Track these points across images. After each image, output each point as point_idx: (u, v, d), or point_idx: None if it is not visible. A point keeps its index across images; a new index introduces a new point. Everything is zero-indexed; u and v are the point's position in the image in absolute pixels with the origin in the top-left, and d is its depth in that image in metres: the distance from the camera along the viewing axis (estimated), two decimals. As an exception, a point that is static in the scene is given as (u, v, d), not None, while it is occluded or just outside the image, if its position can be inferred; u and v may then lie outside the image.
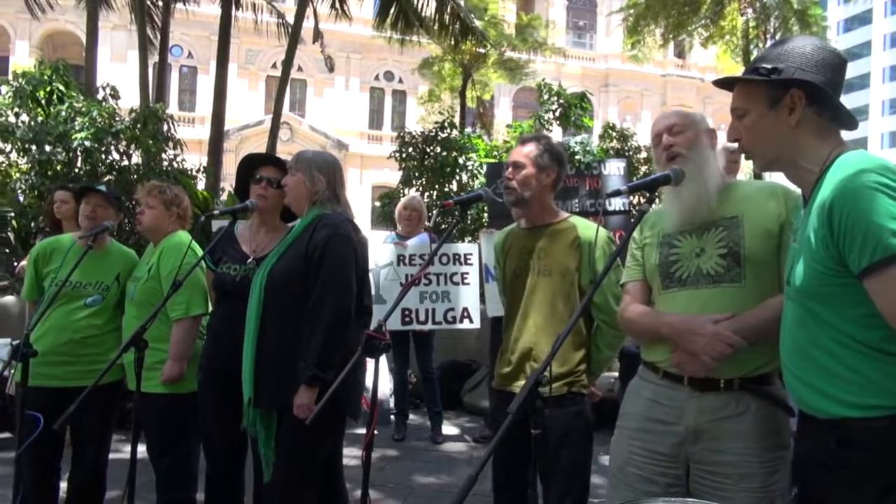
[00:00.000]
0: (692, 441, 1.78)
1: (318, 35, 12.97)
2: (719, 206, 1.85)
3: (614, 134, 9.13)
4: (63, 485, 3.16)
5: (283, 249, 2.44)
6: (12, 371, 2.98)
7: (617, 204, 5.90)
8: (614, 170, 6.35)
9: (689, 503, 1.56)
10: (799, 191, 1.64)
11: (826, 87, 1.49)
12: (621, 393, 5.39)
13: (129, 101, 8.26)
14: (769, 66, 1.52)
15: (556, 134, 9.38)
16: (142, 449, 2.49)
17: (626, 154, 8.56)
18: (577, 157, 7.33)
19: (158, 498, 3.01)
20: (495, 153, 8.55)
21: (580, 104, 9.20)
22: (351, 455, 4.27)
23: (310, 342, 2.29)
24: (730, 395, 1.76)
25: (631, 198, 5.94)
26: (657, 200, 1.89)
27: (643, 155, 8.86)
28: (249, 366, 2.39)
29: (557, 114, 9.14)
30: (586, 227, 2.35)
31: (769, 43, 17.15)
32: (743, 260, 1.79)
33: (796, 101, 1.50)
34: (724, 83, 1.64)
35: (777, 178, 1.92)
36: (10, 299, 5.26)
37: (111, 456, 3.28)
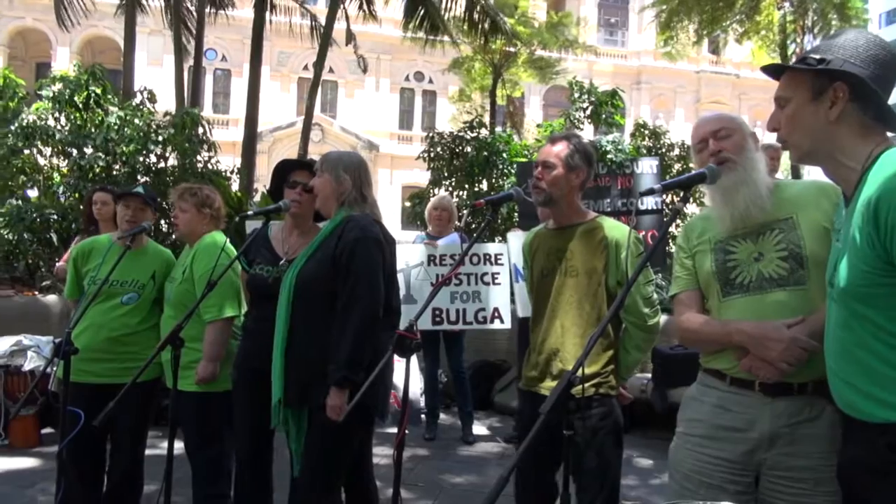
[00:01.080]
0: (766, 447, 1.74)
1: (350, 37, 13.08)
2: (770, 207, 1.82)
3: (646, 132, 9.02)
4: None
5: (312, 251, 2.46)
6: (55, 368, 3.07)
7: (650, 203, 5.83)
8: (647, 168, 6.27)
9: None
10: (839, 189, 1.60)
11: (873, 82, 1.44)
12: (655, 395, 5.33)
13: (165, 103, 8.42)
14: (817, 57, 1.49)
15: (587, 132, 9.31)
16: (179, 445, 2.54)
17: (659, 152, 8.45)
18: (608, 155, 7.25)
19: (194, 493, 3.08)
20: (525, 152, 8.51)
21: (612, 102, 9.11)
22: (382, 454, 4.30)
23: (339, 344, 2.31)
24: (804, 399, 1.72)
25: (664, 197, 5.86)
26: (691, 200, 1.85)
27: (676, 153, 8.73)
28: (279, 366, 2.42)
29: (588, 112, 9.06)
30: (613, 227, 2.33)
31: (807, 38, 16.74)
32: (805, 261, 1.75)
33: (838, 95, 1.46)
34: (773, 70, 1.61)
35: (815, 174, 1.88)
36: (52, 298, 5.41)
37: (150, 451, 3.36)
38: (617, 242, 2.26)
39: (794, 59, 1.57)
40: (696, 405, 1.89)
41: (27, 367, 4.60)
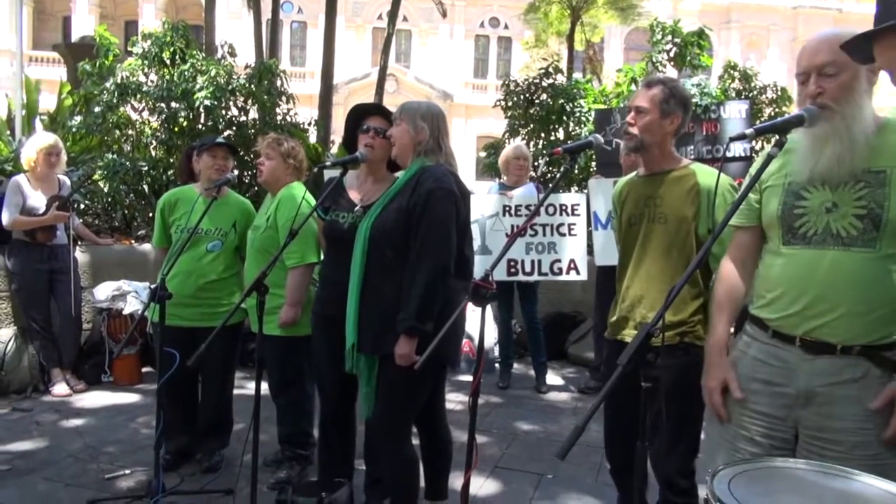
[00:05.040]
0: (802, 405, 1.68)
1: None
2: (865, 153, 1.62)
3: (736, 74, 8.47)
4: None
5: (387, 201, 2.48)
6: (150, 312, 3.28)
7: (737, 150, 5.52)
8: (735, 113, 5.92)
9: (813, 465, 1.47)
10: None
11: None
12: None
13: (245, 57, 8.58)
14: None
15: (670, 76, 8.84)
16: (264, 387, 2.67)
17: (749, 95, 7.95)
18: (693, 99, 6.89)
19: (279, 431, 3.25)
20: (604, 99, 8.21)
21: (698, 42, 8.59)
22: (456, 400, 4.40)
23: (409, 294, 2.34)
24: (846, 360, 1.63)
25: (753, 143, 5.54)
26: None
27: (768, 96, 8.19)
28: (353, 312, 2.47)
29: (672, 54, 8.59)
30: (706, 174, 2.24)
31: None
32: (883, 224, 1.59)
33: None
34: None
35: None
36: (147, 246, 5.73)
37: (237, 391, 3.57)
38: (709, 189, 2.17)
39: None
40: (738, 355, 1.84)
41: (127, 310, 4.93)
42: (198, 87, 6.51)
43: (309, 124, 7.80)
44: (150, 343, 4.80)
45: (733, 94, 7.85)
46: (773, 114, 7.89)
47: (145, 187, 6.72)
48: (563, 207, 4.96)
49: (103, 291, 4.99)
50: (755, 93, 8.16)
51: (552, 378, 5.27)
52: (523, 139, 7.92)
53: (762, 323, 1.79)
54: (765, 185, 1.82)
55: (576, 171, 7.23)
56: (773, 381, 1.73)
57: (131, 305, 4.94)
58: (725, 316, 1.90)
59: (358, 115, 2.81)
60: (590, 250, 5.04)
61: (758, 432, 1.75)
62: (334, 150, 8.45)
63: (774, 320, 1.74)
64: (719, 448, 1.85)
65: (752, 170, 1.85)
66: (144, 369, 5.03)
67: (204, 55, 7.29)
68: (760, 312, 1.80)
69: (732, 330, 1.94)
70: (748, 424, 1.77)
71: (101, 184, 6.57)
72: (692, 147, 5.84)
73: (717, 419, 1.85)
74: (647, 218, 2.28)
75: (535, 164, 5.31)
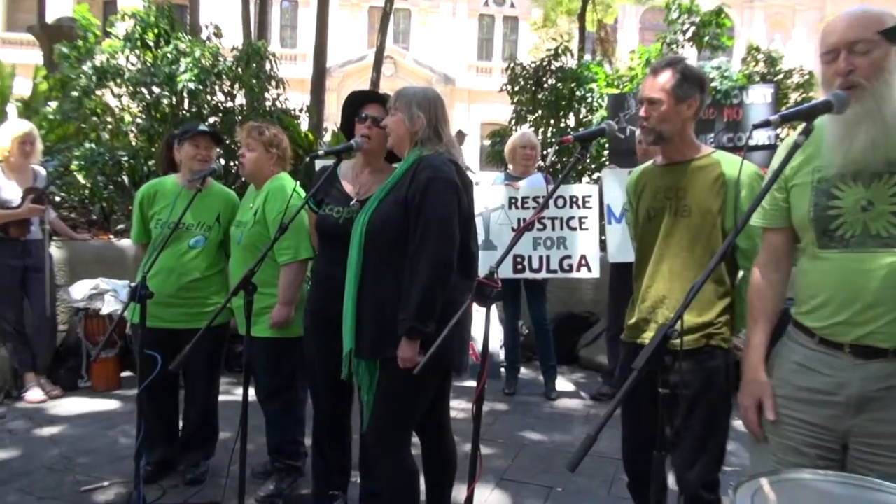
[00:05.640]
0: (854, 413, 1.67)
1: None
2: None
3: (760, 57, 8.46)
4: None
5: (384, 194, 2.46)
6: (129, 313, 3.28)
7: (761, 137, 5.51)
8: (759, 97, 5.91)
9: (843, 477, 1.46)
10: None
11: None
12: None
13: (232, 39, 8.57)
14: None
15: (689, 58, 8.81)
16: (252, 393, 2.66)
17: (774, 79, 7.92)
18: (713, 83, 6.87)
19: (268, 440, 3.25)
20: (618, 83, 8.19)
21: (716, 21, 8.56)
22: (459, 408, 4.38)
23: (409, 293, 2.32)
24: None
25: (779, 131, 5.52)
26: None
27: (795, 80, 8.17)
28: (350, 315, 2.46)
29: (689, 34, 8.57)
30: (732, 164, 2.22)
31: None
32: None
33: None
34: None
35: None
36: (127, 242, 5.72)
37: (223, 398, 3.57)
38: (736, 180, 2.14)
39: None
40: (782, 363, 1.83)
41: (105, 310, 4.93)
42: (181, 70, 6.49)
43: (300, 111, 7.80)
44: (130, 346, 4.80)
45: (757, 78, 7.83)
46: (799, 99, 7.88)
47: (125, 178, 6.73)
48: (574, 199, 4.95)
49: (80, 290, 4.99)
50: (780, 77, 8.14)
51: (562, 384, 5.26)
52: (531, 126, 7.91)
53: (807, 330, 1.78)
54: (791, 184, 1.80)
55: (587, 161, 7.21)
56: (820, 389, 1.72)
57: (110, 305, 4.94)
58: (761, 326, 1.89)
59: (355, 103, 2.80)
60: (602, 246, 5.03)
61: (803, 442, 1.75)
62: (327, 138, 8.43)
63: (821, 328, 1.74)
64: (760, 459, 1.85)
65: (775, 162, 1.83)
66: (124, 374, 5.04)
67: (189, 37, 7.28)
68: (804, 319, 1.79)
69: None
70: (792, 434, 1.77)
71: (77, 175, 6.57)
72: (712, 135, 5.82)
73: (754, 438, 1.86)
74: (669, 211, 2.26)
75: (545, 152, 5.28)
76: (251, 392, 2.56)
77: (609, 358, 5.13)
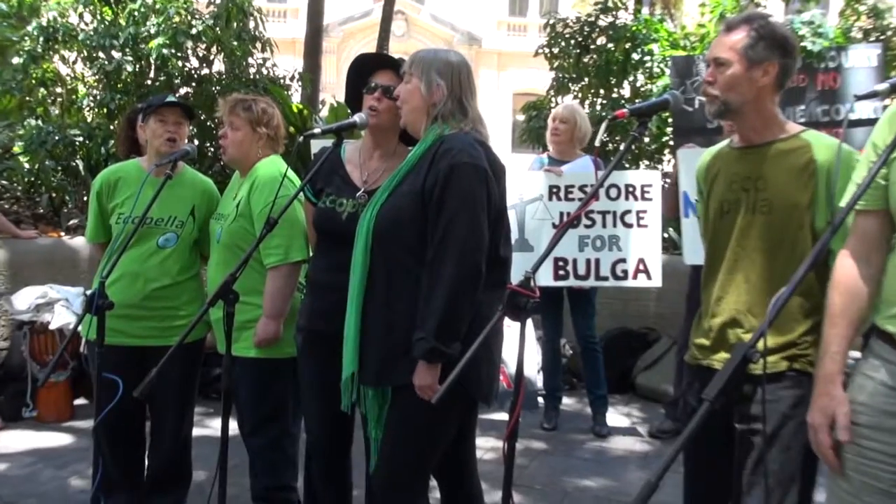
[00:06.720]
0: None
1: None
2: None
3: (862, 9, 8.39)
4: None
5: (396, 183, 2.47)
6: (84, 327, 3.32)
7: (867, 111, 5.45)
8: (862, 60, 5.84)
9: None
10: None
11: None
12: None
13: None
14: None
15: (775, 12, 8.78)
16: (233, 425, 2.69)
17: (881, 38, 7.85)
18: (802, 43, 6.83)
19: (252, 484, 3.28)
20: (684, 44, 8.17)
21: (808, -35, 8.53)
22: (488, 447, 4.40)
23: (428, 306, 2.32)
24: None
25: (887, 101, 5.47)
26: None
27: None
28: (353, 332, 2.48)
29: (775, -18, 8.54)
30: (826, 147, 2.21)
31: None
32: None
33: None
34: None
35: None
36: (80, 240, 5.79)
37: (198, 432, 3.60)
38: (830, 167, 2.14)
39: None
40: (864, 382, 1.84)
41: (55, 324, 4.99)
42: (148, 31, 6.57)
43: (291, 79, 7.88)
44: (86, 367, 4.86)
45: (859, 36, 7.76)
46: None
47: (79, 163, 6.83)
48: (630, 189, 4.94)
49: (24, 299, 5.06)
50: (889, 34, 8.06)
51: (614, 417, 5.26)
52: (575, 97, 7.91)
53: (892, 339, 1.78)
54: (893, 157, 1.79)
55: (646, 141, 7.20)
56: None
57: (60, 317, 5.00)
58: (841, 330, 1.89)
59: (363, 69, 2.81)
60: (672, 245, 5.01)
61: (891, 481, 1.75)
62: (324, 112, 8.49)
63: None
64: (840, 502, 1.86)
65: (879, 139, 1.84)
66: (77, 402, 5.11)
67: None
68: (889, 324, 1.80)
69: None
70: (880, 472, 1.77)
71: (21, 158, 6.67)
72: (803, 107, 5.77)
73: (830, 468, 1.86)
74: (745, 206, 2.27)
75: (594, 129, 5.25)
76: (232, 425, 2.58)
77: (676, 385, 5.11)
